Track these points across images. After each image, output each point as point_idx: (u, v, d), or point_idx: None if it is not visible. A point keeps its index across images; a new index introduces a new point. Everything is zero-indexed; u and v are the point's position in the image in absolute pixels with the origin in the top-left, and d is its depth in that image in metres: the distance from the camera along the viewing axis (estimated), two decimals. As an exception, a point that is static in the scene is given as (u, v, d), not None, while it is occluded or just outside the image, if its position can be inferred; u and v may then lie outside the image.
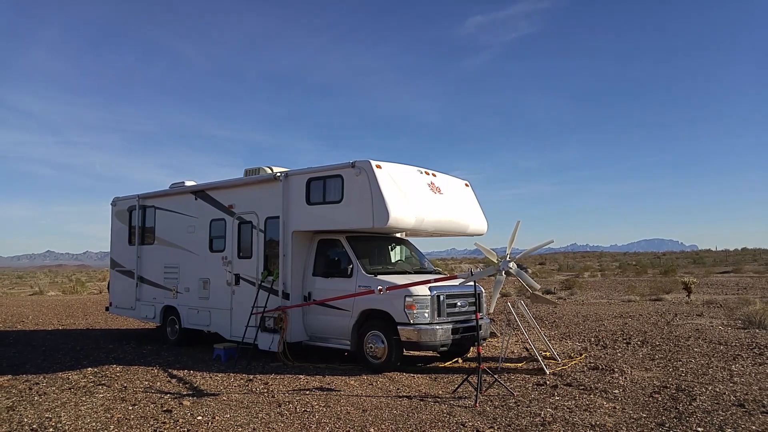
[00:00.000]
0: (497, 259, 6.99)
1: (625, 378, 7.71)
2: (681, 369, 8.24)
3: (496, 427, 5.62)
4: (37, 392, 7.35)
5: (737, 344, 10.14)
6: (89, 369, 8.86)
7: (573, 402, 6.55)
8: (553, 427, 5.57)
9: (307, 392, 7.17)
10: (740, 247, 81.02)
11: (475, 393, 6.73)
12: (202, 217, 11.04)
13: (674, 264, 51.11)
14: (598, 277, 40.55)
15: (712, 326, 12.70)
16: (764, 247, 77.55)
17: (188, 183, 11.71)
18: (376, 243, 9.93)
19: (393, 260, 10.06)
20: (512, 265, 6.89)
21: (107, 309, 13.60)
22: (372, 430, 5.56)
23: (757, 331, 11.76)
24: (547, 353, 9.32)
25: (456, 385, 7.33)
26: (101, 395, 7.12)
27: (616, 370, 8.17)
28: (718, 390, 6.94)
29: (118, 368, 8.91)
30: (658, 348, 9.99)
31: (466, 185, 10.35)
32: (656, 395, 6.79)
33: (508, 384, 7.36)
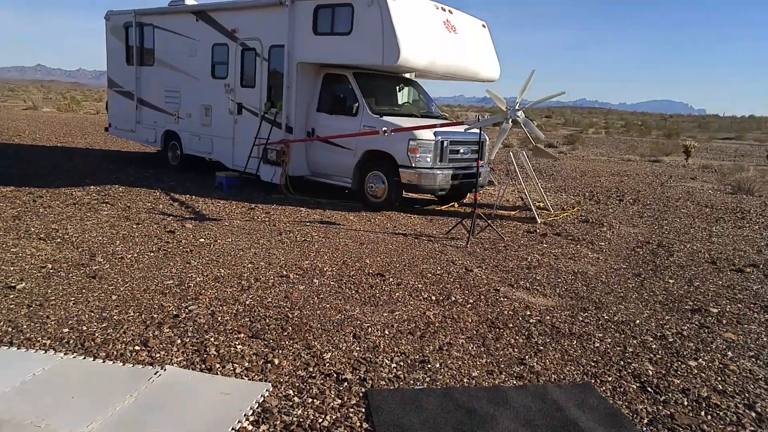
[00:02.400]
0: (506, 107, 6.82)
1: (612, 232, 8.01)
2: (665, 227, 8.55)
3: (483, 267, 5.95)
4: (42, 205, 7.51)
5: (723, 208, 10.43)
6: (92, 187, 9.02)
7: (559, 250, 6.87)
8: (538, 271, 5.90)
9: (308, 224, 7.45)
10: (748, 114, 79.87)
11: (468, 235, 7.02)
12: (204, 41, 10.50)
13: (679, 127, 50.55)
14: (602, 135, 40.30)
15: (702, 190, 12.98)
16: None
17: (188, 1, 10.94)
18: (384, 82, 9.58)
19: (400, 102, 9.81)
20: (520, 114, 6.74)
21: (106, 130, 13.55)
22: (367, 261, 5.87)
23: (745, 197, 12.04)
24: (541, 204, 9.56)
25: (450, 227, 7.62)
26: (105, 212, 7.35)
27: (605, 224, 8.46)
28: (695, 248, 7.29)
29: (120, 188, 9.10)
30: (648, 207, 10.27)
31: (483, 26, 9.70)
32: (638, 249, 7.12)
33: (500, 230, 7.65)
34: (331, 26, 8.54)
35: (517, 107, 6.75)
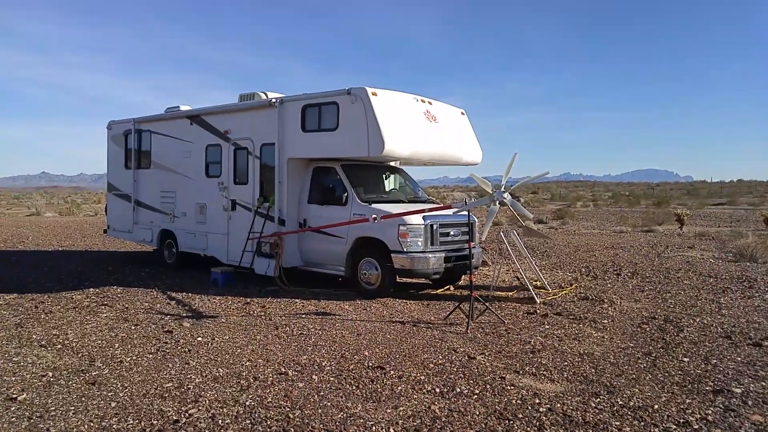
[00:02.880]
0: (491, 189, 6.99)
1: (615, 308, 7.89)
2: (670, 301, 8.42)
3: (486, 353, 5.79)
4: (43, 310, 7.54)
5: (727, 277, 10.30)
6: (91, 290, 9.04)
7: (562, 331, 6.73)
8: (543, 355, 5.74)
9: (304, 316, 7.35)
10: (736, 178, 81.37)
11: (467, 320, 6.90)
12: (198, 142, 10.92)
13: (668, 195, 51.39)
14: (590, 208, 40.88)
15: (703, 259, 12.88)
16: (761, 179, 77.91)
17: (183, 107, 11.53)
18: (371, 171, 9.89)
19: (387, 189, 10.07)
20: (506, 195, 6.91)
21: (105, 231, 13.71)
22: (366, 353, 5.73)
23: (748, 264, 11.93)
24: (538, 283, 9.49)
25: (448, 312, 7.51)
26: (104, 315, 7.32)
27: (605, 300, 8.34)
28: (705, 322, 7.08)
29: (118, 289, 9.08)
30: (648, 279, 10.18)
31: (462, 114, 10.17)
32: (644, 326, 6.95)
33: (499, 312, 7.54)
34: (319, 123, 8.97)
35: (502, 189, 6.92)
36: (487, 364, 5.44)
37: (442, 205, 8.90)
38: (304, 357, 5.57)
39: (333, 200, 9.02)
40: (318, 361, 5.45)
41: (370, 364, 5.36)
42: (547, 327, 6.93)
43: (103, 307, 7.78)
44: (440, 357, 5.64)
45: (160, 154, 11.86)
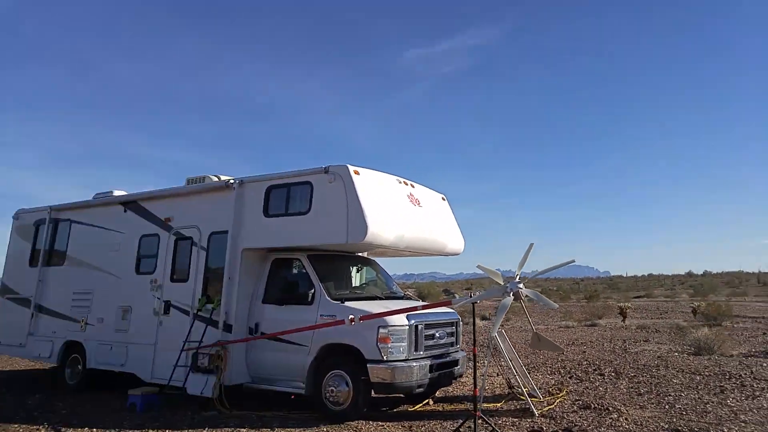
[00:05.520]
0: (503, 281, 5.91)
1: (626, 419, 6.81)
2: (677, 406, 7.48)
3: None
4: None
5: (710, 374, 9.69)
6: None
7: (586, 453, 5.49)
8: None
9: (261, 453, 5.62)
10: (647, 273, 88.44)
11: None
12: (131, 232, 9.24)
13: (594, 289, 53.11)
14: (527, 303, 40.95)
15: (667, 353, 12.47)
16: (666, 273, 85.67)
17: (117, 193, 9.89)
18: (340, 263, 8.51)
19: (359, 283, 8.68)
20: (522, 286, 5.83)
21: None
22: None
23: (717, 358, 11.58)
24: (527, 389, 8.24)
25: (445, 437, 6.07)
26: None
27: (610, 409, 7.24)
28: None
29: (-10, 429, 6.81)
30: (635, 380, 9.30)
31: (443, 199, 9.15)
32: (672, 441, 5.91)
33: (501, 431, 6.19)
34: (286, 207, 7.69)
35: (517, 280, 5.85)
36: None
37: (437, 302, 7.57)
38: None
39: (295, 299, 7.47)
40: None
41: None
42: (566, 448, 5.66)
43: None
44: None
45: (78, 248, 9.99)
